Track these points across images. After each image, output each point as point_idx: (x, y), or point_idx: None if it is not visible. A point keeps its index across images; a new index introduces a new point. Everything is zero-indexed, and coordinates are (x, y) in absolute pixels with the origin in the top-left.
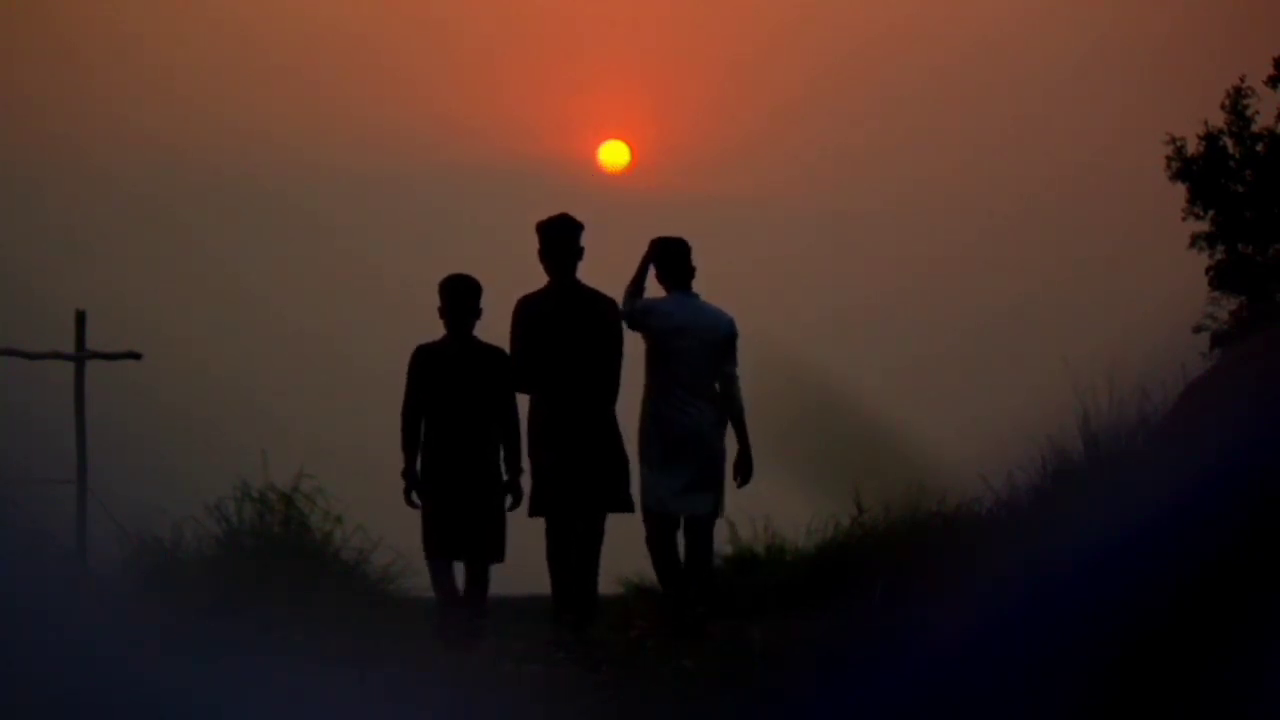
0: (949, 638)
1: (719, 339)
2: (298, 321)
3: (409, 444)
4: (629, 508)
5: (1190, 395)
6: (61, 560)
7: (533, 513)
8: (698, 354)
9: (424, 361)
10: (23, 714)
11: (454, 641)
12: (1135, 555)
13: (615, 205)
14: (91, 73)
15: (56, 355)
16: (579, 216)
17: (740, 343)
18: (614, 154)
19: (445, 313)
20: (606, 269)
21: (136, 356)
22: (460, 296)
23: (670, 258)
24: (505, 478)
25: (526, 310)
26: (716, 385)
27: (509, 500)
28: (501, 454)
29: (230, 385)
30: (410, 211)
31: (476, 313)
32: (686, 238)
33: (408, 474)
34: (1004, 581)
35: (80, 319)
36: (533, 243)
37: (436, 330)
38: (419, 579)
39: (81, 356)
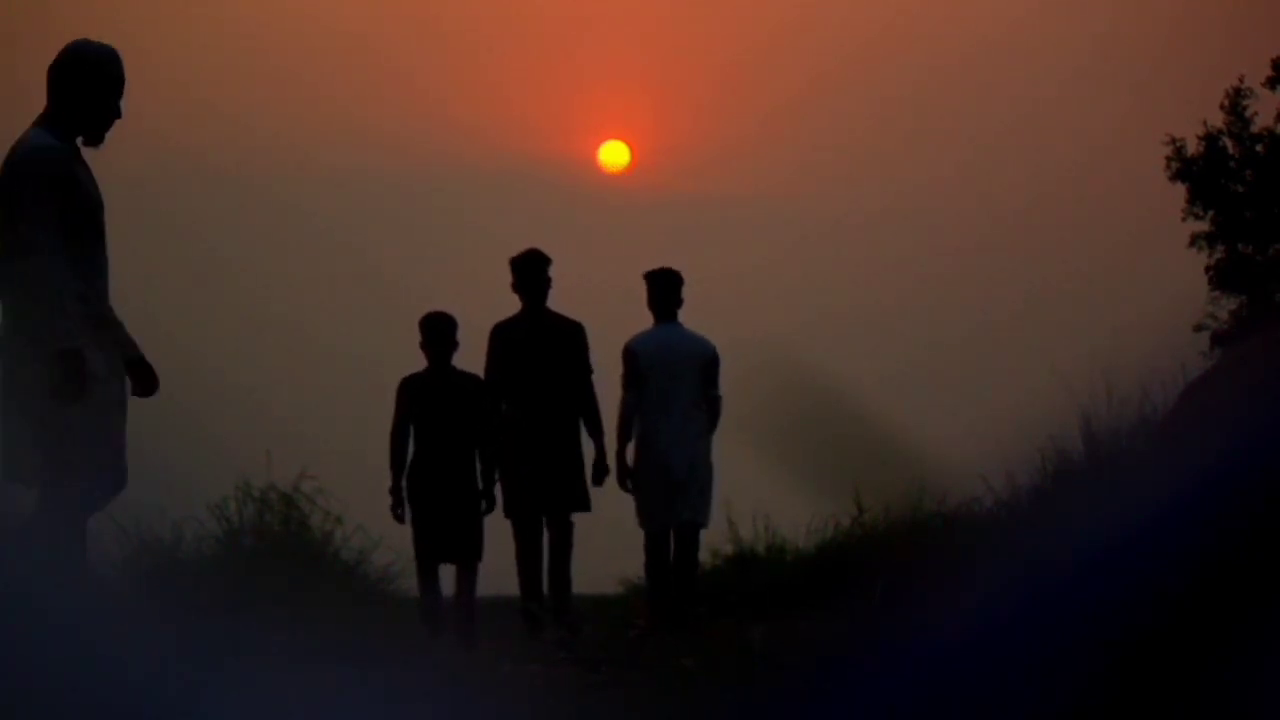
0: (949, 638)
1: (700, 364)
2: (298, 321)
3: (396, 464)
4: (588, 507)
5: (1190, 395)
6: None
7: (507, 514)
8: (681, 379)
9: (410, 391)
10: (23, 714)
11: (448, 641)
12: (1135, 555)
13: (615, 205)
14: None
15: None
16: (579, 217)
17: (740, 343)
18: (614, 154)
19: (426, 346)
20: (607, 269)
21: None
22: (439, 332)
23: (662, 288)
24: (481, 487)
25: (500, 335)
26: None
27: (484, 506)
28: (478, 467)
29: (230, 385)
30: (411, 211)
31: (454, 345)
32: (690, 236)
33: (394, 490)
34: (1004, 581)
35: None
36: (531, 246)
37: None
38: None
39: None
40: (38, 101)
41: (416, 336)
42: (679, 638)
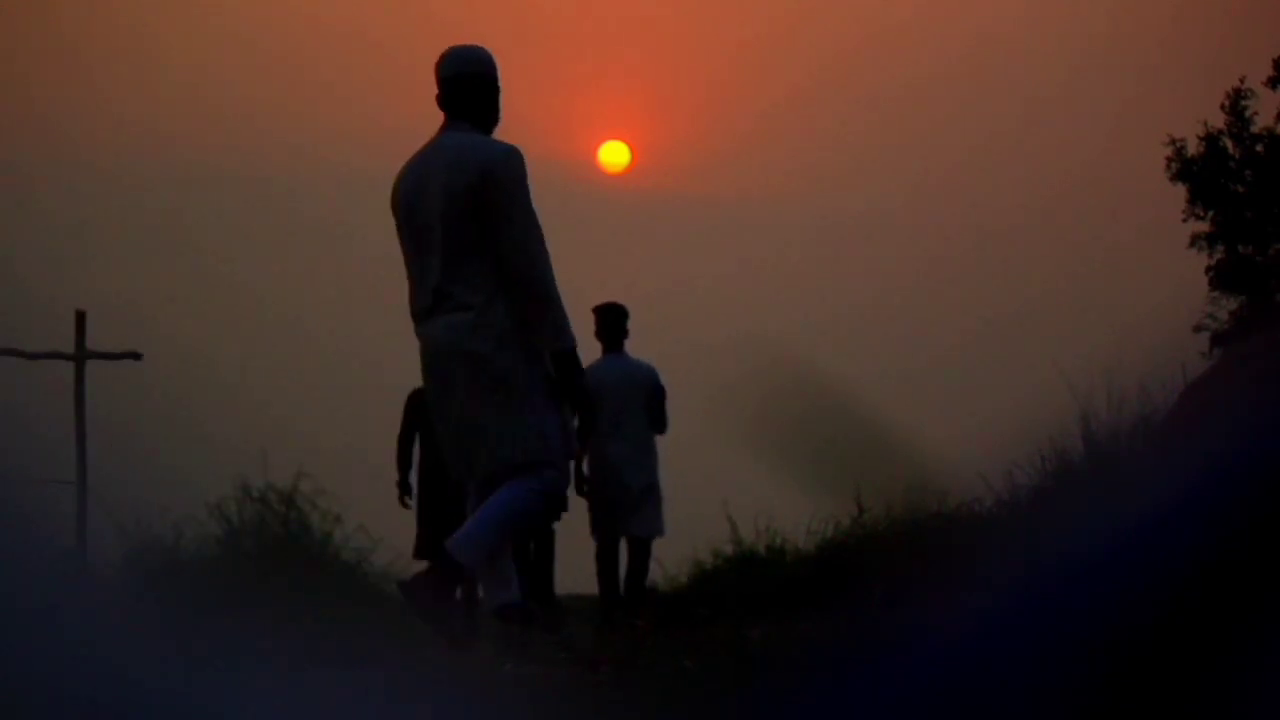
0: (949, 638)
1: (644, 389)
2: (298, 321)
3: (402, 465)
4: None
5: (1190, 395)
6: (61, 560)
7: None
8: (629, 403)
9: (419, 406)
10: (23, 714)
11: (454, 638)
12: (1136, 555)
13: (615, 205)
14: (93, 70)
15: (56, 355)
16: (579, 216)
17: (740, 343)
18: (614, 154)
19: None
20: (606, 268)
21: (137, 356)
22: None
23: (609, 322)
24: None
25: None
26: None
27: None
28: None
29: (230, 385)
30: None
31: None
32: (689, 236)
33: (401, 484)
34: (1004, 581)
35: (80, 319)
36: None
37: None
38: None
39: (81, 356)
40: (39, 100)
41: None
42: (679, 638)
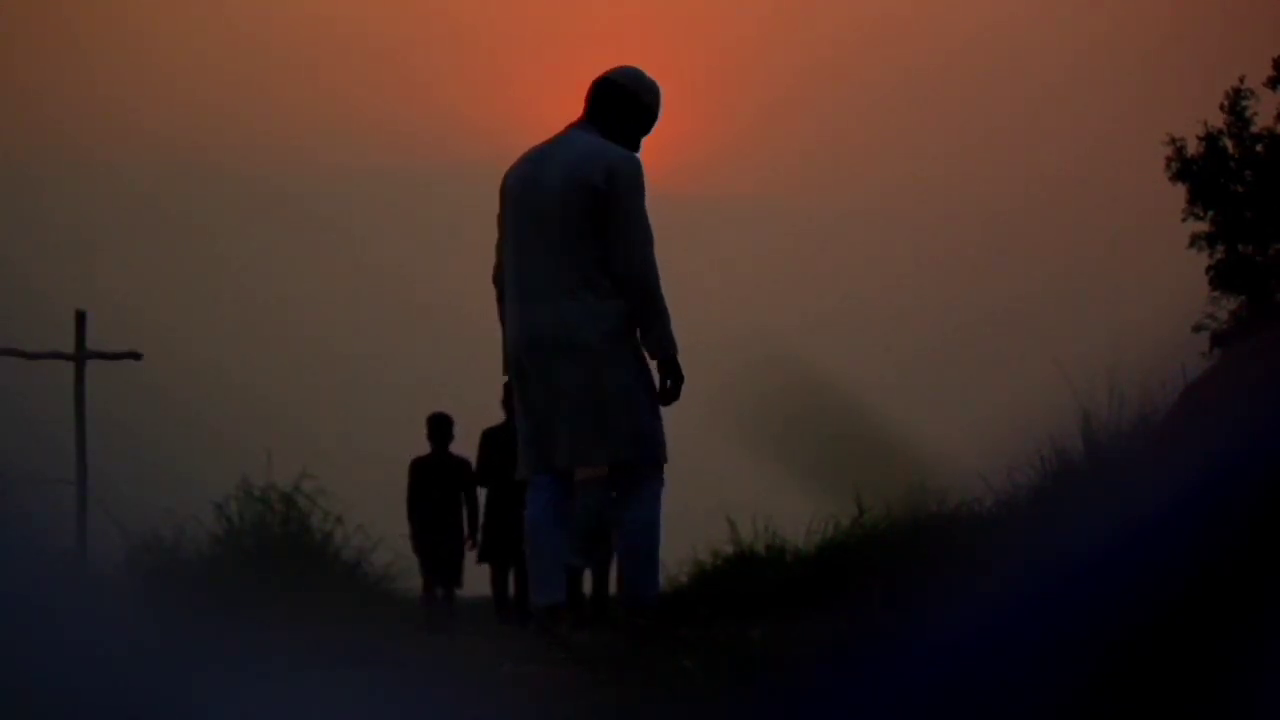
0: (949, 637)
1: None
2: (300, 320)
3: (413, 522)
4: None
5: (1190, 395)
6: (61, 560)
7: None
8: None
9: (418, 471)
10: (23, 714)
11: (436, 628)
12: (1136, 555)
13: None
14: (94, 70)
15: (56, 355)
16: None
17: (738, 341)
18: None
19: (430, 438)
20: None
21: (137, 356)
22: (440, 429)
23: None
24: (470, 537)
25: (486, 438)
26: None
27: (474, 548)
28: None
29: (231, 385)
30: (413, 209)
31: (451, 438)
32: (688, 235)
33: (413, 536)
34: (1004, 581)
35: (80, 319)
36: None
37: (436, 333)
38: (418, 580)
39: (81, 356)
40: (40, 100)
41: (418, 336)
42: (679, 638)
